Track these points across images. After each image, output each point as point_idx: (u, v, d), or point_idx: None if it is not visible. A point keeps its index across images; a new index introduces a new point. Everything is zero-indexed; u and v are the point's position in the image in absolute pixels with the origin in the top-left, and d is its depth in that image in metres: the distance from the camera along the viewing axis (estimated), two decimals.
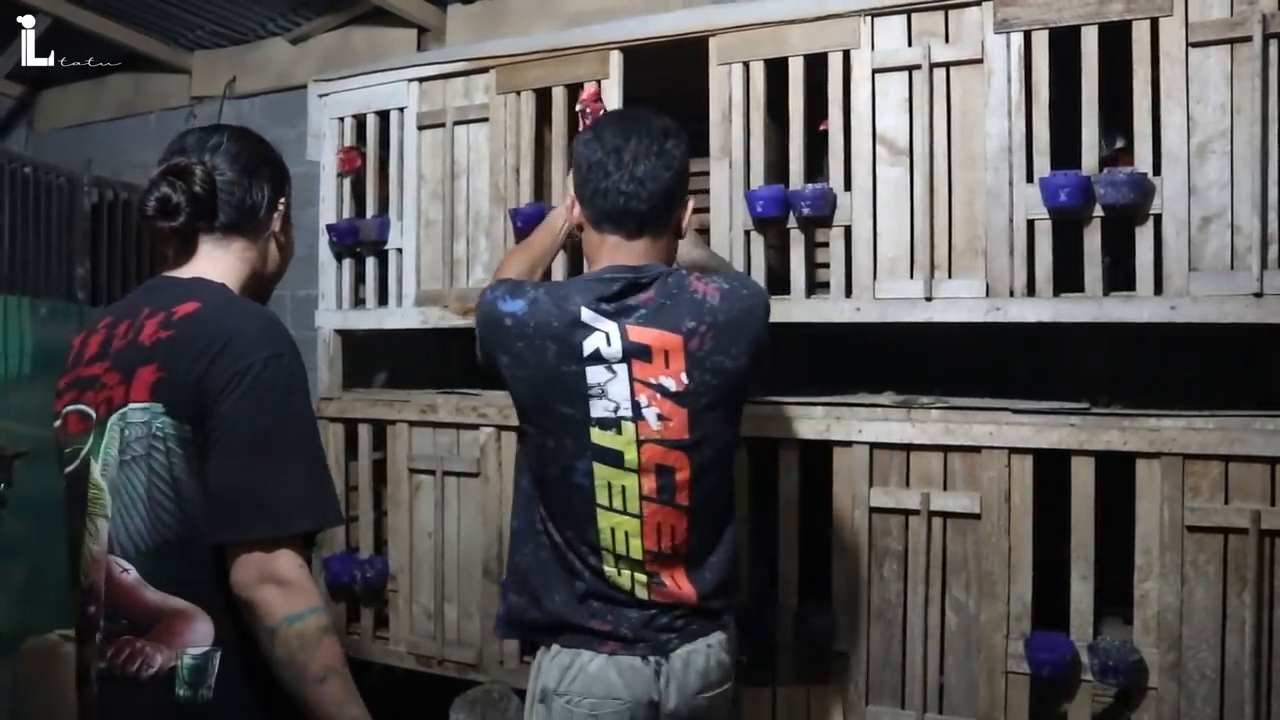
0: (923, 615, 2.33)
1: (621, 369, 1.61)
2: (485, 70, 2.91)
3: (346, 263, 3.18)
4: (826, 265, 2.54)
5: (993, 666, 2.27)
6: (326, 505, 1.40)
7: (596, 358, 1.61)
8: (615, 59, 2.71)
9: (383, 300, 3.14)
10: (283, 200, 1.61)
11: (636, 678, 1.66)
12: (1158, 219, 2.16)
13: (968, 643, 2.31)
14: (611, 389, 1.61)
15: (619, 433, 1.62)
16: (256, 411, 1.35)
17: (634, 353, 1.61)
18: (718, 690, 1.75)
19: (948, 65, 2.34)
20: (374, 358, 3.69)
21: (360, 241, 3.09)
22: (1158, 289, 2.17)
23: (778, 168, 2.60)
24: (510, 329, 1.64)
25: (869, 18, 2.40)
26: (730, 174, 2.55)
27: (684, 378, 1.62)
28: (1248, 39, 2.07)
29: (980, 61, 2.30)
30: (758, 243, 2.54)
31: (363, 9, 3.88)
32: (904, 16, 2.37)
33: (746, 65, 2.54)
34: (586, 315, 1.62)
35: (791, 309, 2.48)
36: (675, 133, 1.70)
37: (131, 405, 1.40)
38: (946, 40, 2.34)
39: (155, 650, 1.37)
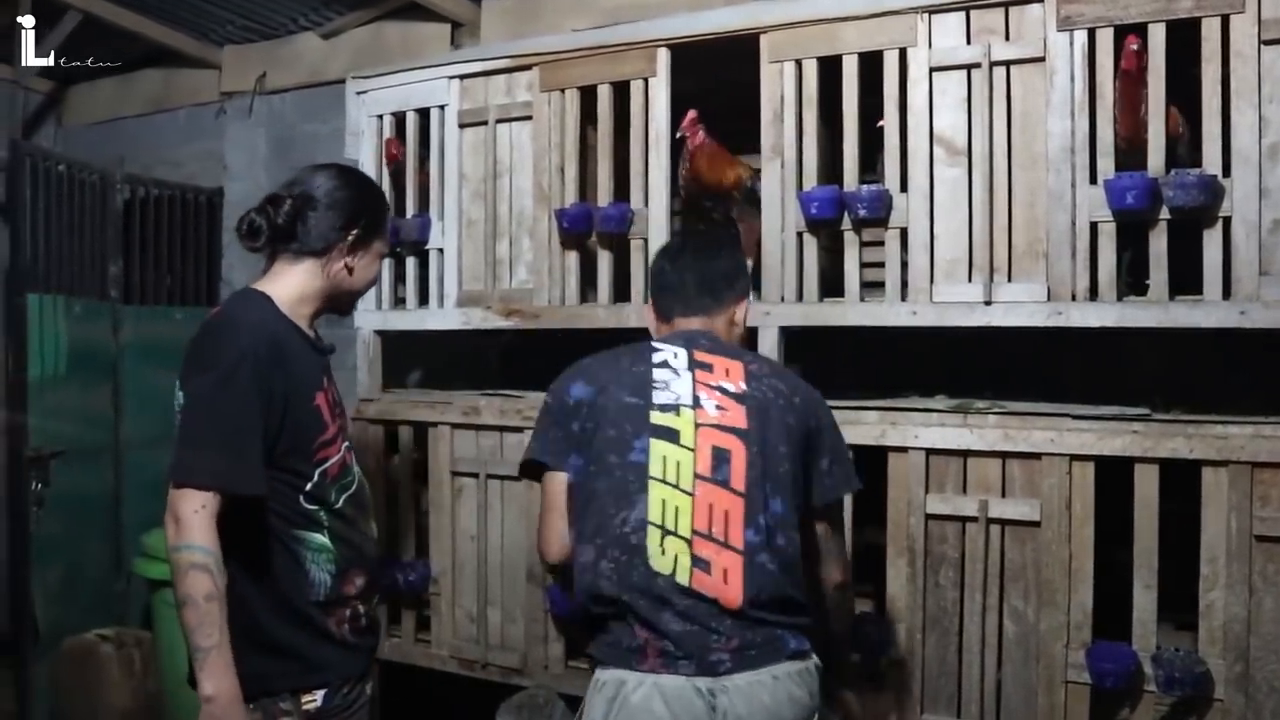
0: (980, 624, 2.30)
1: (686, 374, 1.80)
2: (528, 68, 2.87)
3: (386, 263, 3.15)
4: (877, 265, 2.50)
5: (1052, 676, 2.24)
6: (231, 472, 1.67)
7: (664, 365, 1.82)
8: (663, 56, 2.66)
9: (422, 300, 3.11)
10: (354, 232, 1.88)
11: (686, 710, 1.55)
12: (1227, 221, 2.11)
13: (1026, 652, 2.27)
14: (675, 385, 1.78)
15: (677, 415, 1.75)
16: (197, 391, 1.71)
17: (699, 365, 1.82)
18: None
19: (1008, 64, 2.29)
20: (409, 357, 3.66)
21: (401, 241, 3.06)
22: (1226, 293, 2.12)
23: (828, 168, 2.56)
24: (585, 367, 1.88)
25: (926, 15, 2.35)
26: (782, 174, 2.51)
27: (743, 384, 1.80)
28: None
29: (1042, 60, 2.25)
30: (810, 245, 2.50)
31: (396, 3, 3.84)
32: (963, 13, 2.32)
33: (799, 63, 2.50)
34: (656, 344, 1.88)
35: (846, 313, 2.44)
36: (729, 242, 2.13)
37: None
38: (1007, 38, 2.29)
39: None
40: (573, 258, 2.83)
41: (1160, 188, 2.12)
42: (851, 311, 2.45)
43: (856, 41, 2.43)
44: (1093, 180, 2.21)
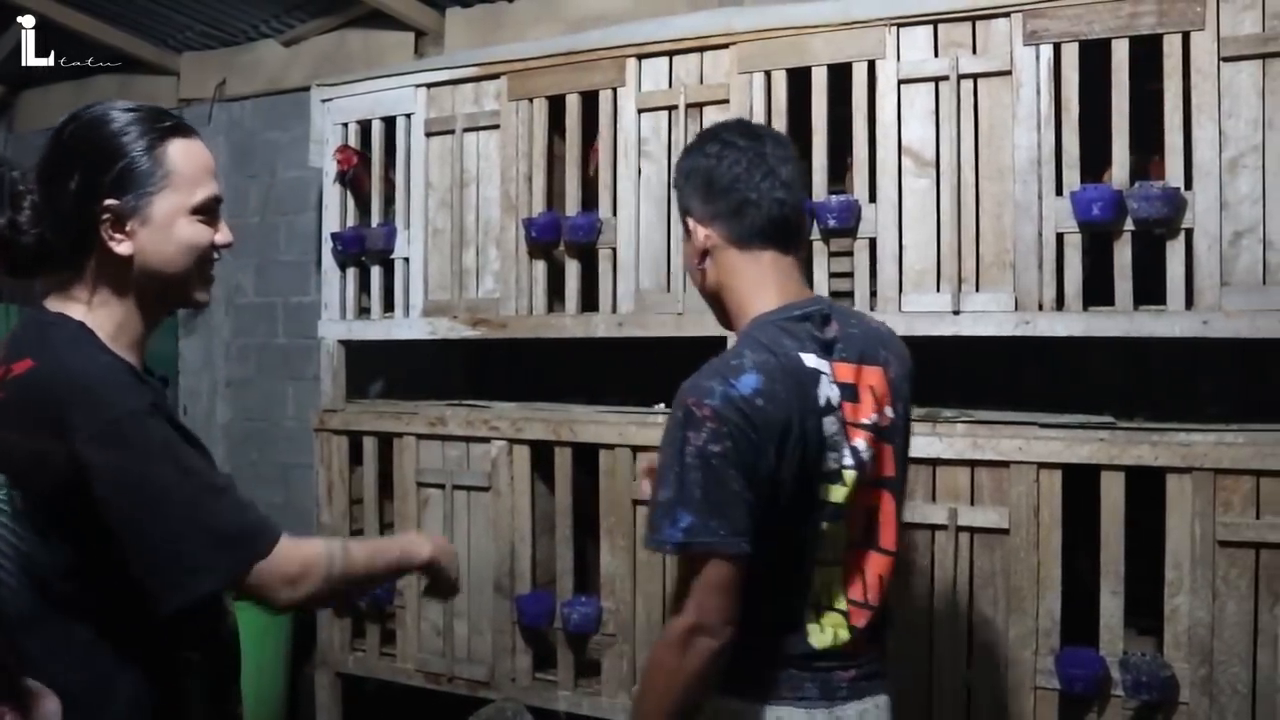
0: (949, 631, 2.31)
1: (838, 416, 1.44)
2: (496, 76, 2.86)
3: (351, 272, 3.11)
4: (845, 275, 2.51)
5: (1021, 682, 2.26)
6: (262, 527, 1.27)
7: (828, 408, 1.43)
8: (632, 66, 2.66)
9: (387, 310, 3.08)
10: (111, 202, 1.29)
11: None
12: (1189, 233, 2.15)
13: (995, 658, 2.29)
14: (837, 438, 1.44)
15: (842, 484, 1.44)
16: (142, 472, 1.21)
17: (846, 394, 1.45)
18: None
19: (975, 77, 2.32)
20: (371, 367, 3.62)
21: (366, 250, 3.03)
22: (1189, 304, 2.16)
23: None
24: (764, 408, 1.37)
25: (895, 28, 2.38)
26: None
27: (889, 411, 1.49)
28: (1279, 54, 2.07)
29: (1009, 73, 2.29)
30: None
31: (359, 11, 3.79)
32: (930, 27, 2.36)
33: (768, 75, 2.51)
34: (809, 360, 1.43)
35: None
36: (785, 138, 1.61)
37: None
38: (974, 51, 2.32)
39: None
40: (540, 267, 2.82)
41: (1125, 200, 2.16)
42: None
43: (825, 53, 2.45)
44: (1059, 192, 2.25)
